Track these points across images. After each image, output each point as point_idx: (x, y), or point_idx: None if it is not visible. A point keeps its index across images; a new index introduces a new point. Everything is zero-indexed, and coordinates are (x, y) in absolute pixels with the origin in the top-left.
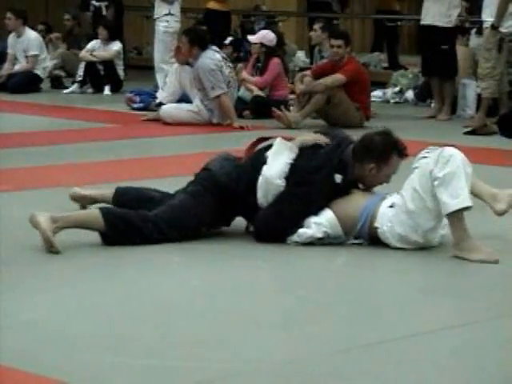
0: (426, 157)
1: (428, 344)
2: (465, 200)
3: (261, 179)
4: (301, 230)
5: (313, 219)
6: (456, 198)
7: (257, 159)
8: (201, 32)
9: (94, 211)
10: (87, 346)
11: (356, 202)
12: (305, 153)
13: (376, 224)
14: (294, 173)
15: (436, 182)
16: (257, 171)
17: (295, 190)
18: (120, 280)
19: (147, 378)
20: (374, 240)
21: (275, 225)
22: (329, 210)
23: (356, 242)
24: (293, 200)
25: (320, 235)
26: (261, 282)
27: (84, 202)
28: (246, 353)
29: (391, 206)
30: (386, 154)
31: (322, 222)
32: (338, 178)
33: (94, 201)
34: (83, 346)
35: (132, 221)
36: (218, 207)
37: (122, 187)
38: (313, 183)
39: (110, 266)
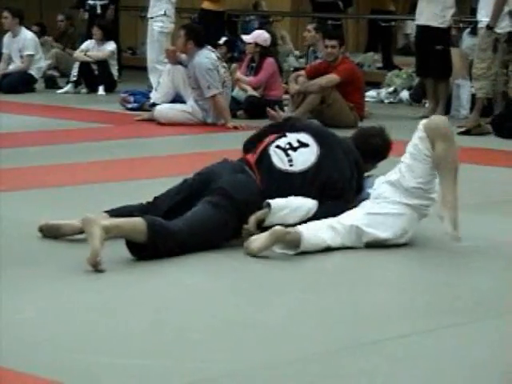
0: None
1: (427, 343)
2: None
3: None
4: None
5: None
6: None
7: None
8: (197, 28)
9: (138, 219)
10: (84, 347)
11: None
12: (325, 162)
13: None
14: (333, 182)
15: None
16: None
17: (346, 200)
18: (117, 280)
19: (144, 378)
20: None
21: None
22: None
23: None
24: (346, 206)
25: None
26: (258, 282)
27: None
28: (244, 353)
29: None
30: (387, 155)
31: None
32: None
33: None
34: (80, 347)
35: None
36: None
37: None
38: (352, 188)
39: (107, 267)
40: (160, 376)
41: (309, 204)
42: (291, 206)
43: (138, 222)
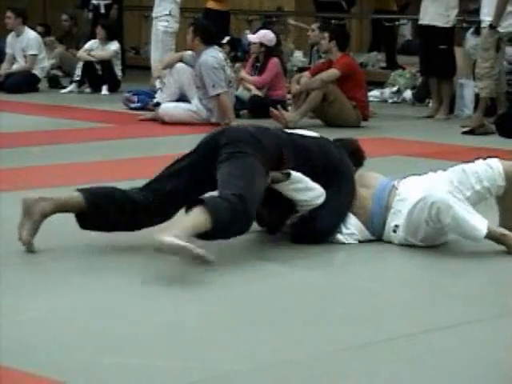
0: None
1: (427, 343)
2: None
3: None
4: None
5: (344, 230)
6: None
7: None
8: (205, 25)
9: (200, 215)
10: (85, 346)
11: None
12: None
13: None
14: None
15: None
16: None
17: (346, 188)
18: (118, 281)
19: (145, 377)
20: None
21: (337, 226)
22: (353, 216)
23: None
24: (348, 199)
25: (354, 242)
26: (258, 281)
27: (40, 207)
28: (244, 353)
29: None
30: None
31: (354, 232)
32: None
33: (56, 206)
34: (81, 346)
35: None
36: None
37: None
38: (352, 179)
39: (108, 267)
40: (162, 375)
41: (321, 190)
42: (308, 183)
43: (201, 219)
